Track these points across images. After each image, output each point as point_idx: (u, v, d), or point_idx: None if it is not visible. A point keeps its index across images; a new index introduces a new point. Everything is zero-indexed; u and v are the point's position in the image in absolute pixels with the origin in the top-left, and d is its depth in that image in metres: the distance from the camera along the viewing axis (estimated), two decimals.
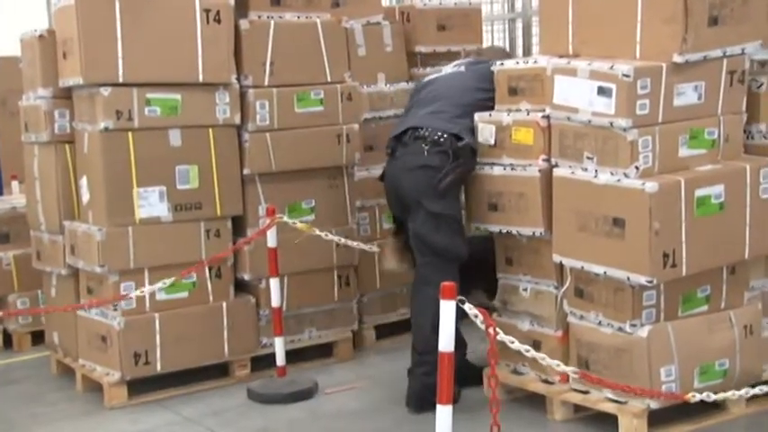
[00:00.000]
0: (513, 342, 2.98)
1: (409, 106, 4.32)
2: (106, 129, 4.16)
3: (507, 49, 6.65)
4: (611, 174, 3.48)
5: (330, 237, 4.48)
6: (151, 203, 4.27)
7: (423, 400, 3.83)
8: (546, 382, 3.85)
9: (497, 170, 3.94)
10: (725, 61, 3.55)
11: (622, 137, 3.43)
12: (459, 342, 3.89)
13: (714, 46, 3.48)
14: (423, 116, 4.07)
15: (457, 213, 4.02)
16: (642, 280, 3.41)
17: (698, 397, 3.16)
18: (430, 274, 3.87)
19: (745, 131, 3.72)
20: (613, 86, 3.42)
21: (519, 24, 6.55)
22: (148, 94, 4.22)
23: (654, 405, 3.47)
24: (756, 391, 2.95)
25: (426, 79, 4.38)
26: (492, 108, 4.00)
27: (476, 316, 2.91)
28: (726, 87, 3.59)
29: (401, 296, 5.17)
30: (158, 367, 4.32)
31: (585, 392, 3.68)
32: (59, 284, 4.69)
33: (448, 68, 4.35)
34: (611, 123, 3.44)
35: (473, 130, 3.99)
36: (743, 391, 2.98)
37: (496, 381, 2.84)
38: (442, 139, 3.92)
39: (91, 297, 4.38)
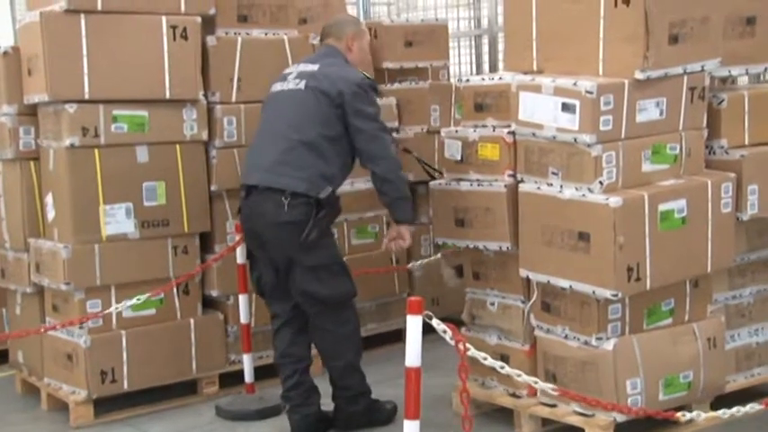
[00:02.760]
0: (485, 359, 2.98)
1: (258, 131, 3.91)
2: (72, 145, 4.13)
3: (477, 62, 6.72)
4: (576, 189, 3.53)
5: None
6: (118, 220, 4.24)
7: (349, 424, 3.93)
8: (514, 395, 3.87)
9: (464, 186, 3.97)
10: (685, 78, 3.61)
11: (586, 152, 3.48)
12: (364, 391, 3.96)
13: (675, 63, 3.55)
14: (270, 167, 3.68)
15: (334, 256, 3.81)
16: (607, 294, 3.45)
17: (688, 416, 3.11)
18: (325, 322, 3.79)
19: (706, 147, 3.79)
20: (577, 103, 3.47)
21: (485, 41, 6.61)
22: (115, 111, 4.20)
23: (620, 418, 3.50)
24: (747, 409, 2.94)
25: (272, 90, 3.93)
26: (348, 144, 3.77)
27: (444, 332, 2.92)
28: (687, 103, 3.65)
29: (370, 312, 5.18)
30: (125, 385, 4.28)
31: (553, 406, 3.70)
32: (24, 303, 4.63)
33: (293, 74, 3.86)
34: (576, 139, 3.49)
35: (331, 173, 3.70)
36: (734, 409, 2.96)
37: (468, 397, 2.85)
38: (301, 191, 3.64)
39: (56, 315, 4.34)
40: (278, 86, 3.89)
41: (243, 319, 4.34)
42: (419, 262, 5.14)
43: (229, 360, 4.57)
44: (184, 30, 4.31)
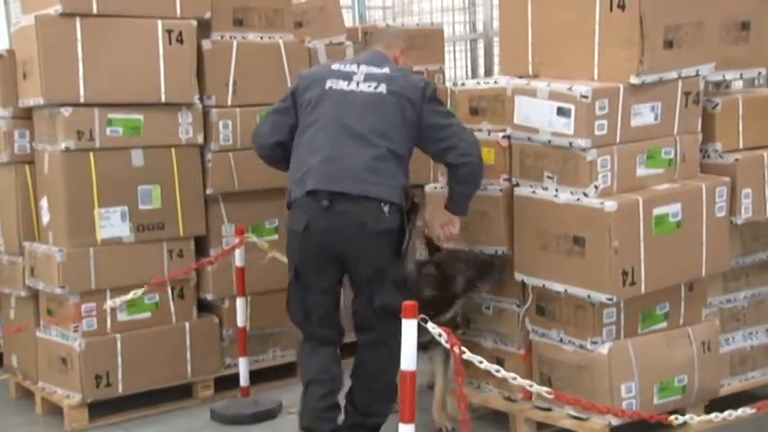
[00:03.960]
0: (481, 362, 2.98)
1: (317, 131, 3.52)
2: (67, 149, 4.13)
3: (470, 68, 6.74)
4: (571, 193, 3.53)
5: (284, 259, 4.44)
6: (113, 224, 4.24)
7: None
8: (509, 399, 3.87)
9: None
10: (680, 82, 3.62)
11: (582, 156, 3.49)
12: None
13: (669, 68, 3.56)
14: (361, 175, 3.42)
15: (405, 269, 3.67)
16: (602, 298, 3.46)
17: (680, 419, 3.03)
18: (389, 338, 3.37)
19: (700, 151, 3.80)
20: (572, 107, 3.48)
21: (480, 45, 6.63)
22: (110, 114, 4.20)
23: (614, 422, 3.50)
24: (739, 413, 2.94)
25: (331, 87, 3.57)
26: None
27: (440, 335, 2.93)
28: (681, 108, 3.66)
29: None
30: (120, 389, 4.27)
31: (548, 409, 3.71)
32: (18, 306, 4.62)
33: (359, 75, 3.59)
34: (571, 143, 3.50)
35: (405, 184, 3.55)
36: (726, 413, 2.95)
37: (465, 401, 2.84)
38: (396, 201, 3.46)
39: (51, 319, 4.33)
40: (341, 85, 3.56)
41: (239, 323, 4.34)
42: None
43: (225, 364, 4.57)
44: (180, 33, 4.31)
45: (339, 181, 3.42)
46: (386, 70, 3.60)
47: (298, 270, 3.56)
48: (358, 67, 3.63)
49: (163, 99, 4.31)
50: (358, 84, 3.57)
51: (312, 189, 3.43)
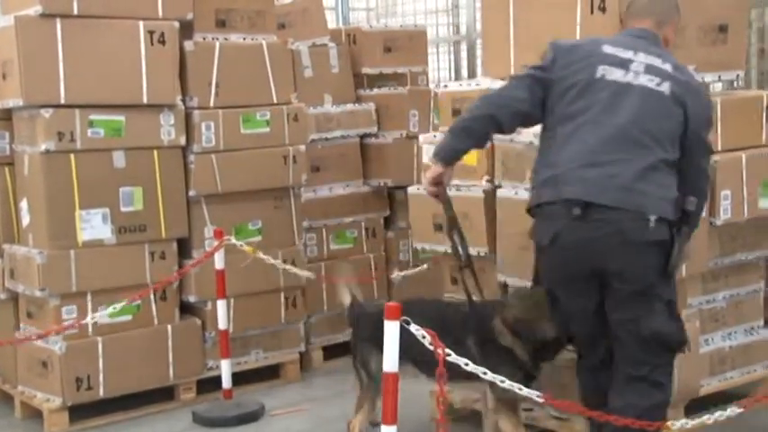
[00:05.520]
0: (467, 364, 2.97)
1: (581, 124, 2.98)
2: (47, 151, 4.10)
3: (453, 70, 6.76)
4: None
5: (273, 261, 4.45)
6: (94, 226, 4.22)
7: None
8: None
9: None
10: None
11: None
12: None
13: None
14: (630, 185, 2.92)
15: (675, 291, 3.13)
16: None
17: (677, 424, 2.89)
18: (662, 374, 3.06)
19: None
20: None
21: (463, 47, 6.65)
22: (91, 116, 4.18)
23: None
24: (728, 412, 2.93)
25: (603, 75, 3.00)
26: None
27: (423, 337, 2.92)
28: None
29: None
30: (101, 392, 4.24)
31: (529, 410, 3.71)
32: None
33: (638, 64, 3.02)
34: None
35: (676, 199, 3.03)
36: (717, 414, 2.94)
37: (446, 402, 2.84)
38: (667, 216, 2.97)
39: (31, 321, 4.30)
40: (616, 74, 3.01)
41: (221, 325, 4.32)
42: (402, 273, 5.09)
43: (207, 366, 4.55)
44: (162, 35, 4.29)
45: (604, 192, 2.91)
46: (668, 67, 3.03)
47: (551, 290, 3.13)
48: (635, 53, 3.04)
49: (145, 100, 4.29)
50: (637, 75, 3.00)
51: (569, 198, 2.92)
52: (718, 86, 4.63)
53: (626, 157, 2.94)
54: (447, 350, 2.81)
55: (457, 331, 3.31)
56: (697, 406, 3.61)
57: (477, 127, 3.14)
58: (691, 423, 2.92)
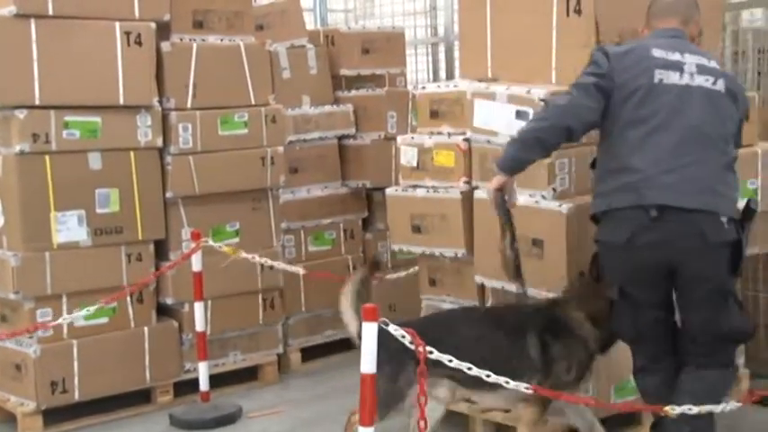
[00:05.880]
0: (451, 360, 2.98)
1: (653, 130, 3.00)
2: (22, 152, 4.06)
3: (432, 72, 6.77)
4: (530, 195, 3.56)
5: (257, 260, 4.45)
6: (69, 228, 4.18)
7: None
8: (469, 401, 3.88)
9: (420, 192, 3.99)
10: None
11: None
12: None
13: None
14: (708, 188, 2.98)
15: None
16: None
17: (678, 409, 2.95)
18: (728, 357, 3.17)
19: None
20: (530, 110, 3.51)
21: (441, 48, 6.66)
22: (66, 117, 4.14)
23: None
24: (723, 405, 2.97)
25: (661, 80, 3.03)
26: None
27: (403, 336, 2.92)
28: None
29: (327, 318, 5.16)
30: (76, 396, 4.21)
31: (507, 411, 3.73)
32: None
33: (689, 65, 3.06)
34: None
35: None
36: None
37: (425, 400, 2.84)
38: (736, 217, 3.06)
39: (5, 325, 4.25)
40: (673, 78, 3.04)
41: (198, 327, 4.30)
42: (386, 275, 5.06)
43: (184, 368, 4.52)
44: (138, 35, 4.27)
45: (685, 195, 2.96)
46: (714, 65, 3.11)
47: (622, 287, 3.14)
48: (681, 54, 3.08)
49: (121, 101, 4.27)
50: (692, 76, 3.05)
51: (658, 204, 2.95)
52: None
53: (701, 159, 2.99)
54: (428, 348, 2.83)
55: (527, 330, 3.34)
56: None
57: (551, 138, 3.12)
58: (695, 409, 2.93)
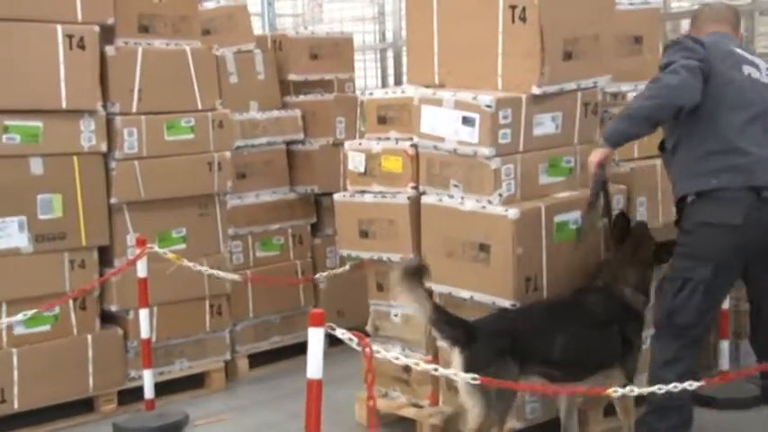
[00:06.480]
0: (397, 358, 2.98)
1: (750, 120, 3.26)
2: None
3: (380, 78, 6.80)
4: (477, 201, 3.59)
5: (200, 268, 4.41)
6: (9, 234, 4.10)
7: None
8: (416, 405, 3.90)
9: (368, 198, 4.00)
10: (579, 93, 3.73)
11: (486, 165, 3.55)
12: None
13: (569, 79, 3.66)
14: None
15: None
16: (506, 304, 3.52)
17: (620, 391, 2.97)
18: None
19: None
20: (477, 116, 3.54)
21: (390, 54, 6.70)
22: (6, 122, 4.06)
23: (518, 425, 3.57)
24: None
25: (734, 76, 3.31)
26: None
27: (350, 339, 2.93)
28: (581, 118, 3.77)
29: (275, 324, 5.15)
30: (16, 405, 4.12)
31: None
32: None
33: (760, 65, 3.40)
34: (476, 152, 3.56)
35: None
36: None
37: (374, 401, 2.84)
38: None
39: None
40: (756, 74, 3.35)
41: (143, 334, 4.24)
42: (325, 273, 5.11)
43: (129, 376, 4.46)
44: (81, 39, 4.20)
45: None
46: (764, 63, 3.42)
47: (718, 268, 3.25)
48: (752, 55, 3.42)
49: (64, 106, 4.20)
50: (757, 71, 3.35)
51: (760, 185, 3.17)
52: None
53: None
54: (375, 348, 2.84)
55: (599, 316, 3.45)
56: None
57: (661, 116, 3.25)
58: (638, 390, 2.97)
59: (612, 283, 3.53)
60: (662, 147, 3.46)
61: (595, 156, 3.36)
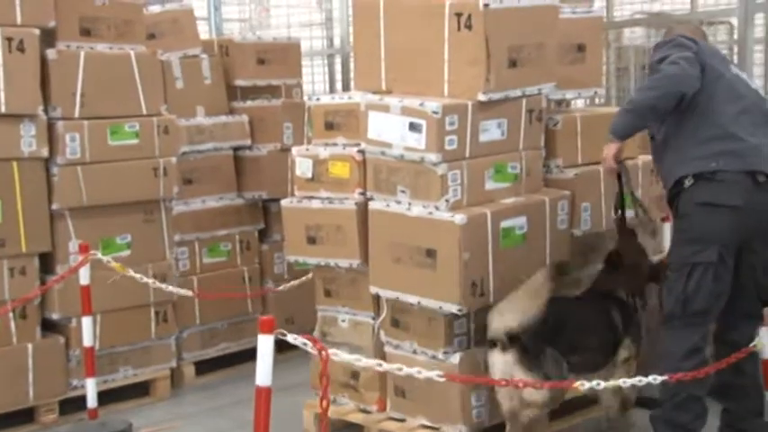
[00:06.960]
0: (359, 360, 2.99)
1: (740, 111, 3.39)
2: None
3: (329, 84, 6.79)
4: (423, 206, 3.61)
5: (146, 279, 4.34)
6: None
7: None
8: (364, 411, 3.90)
9: (315, 203, 3.99)
10: (524, 100, 3.78)
11: (433, 171, 3.57)
12: None
13: (514, 86, 3.71)
14: None
15: None
16: (453, 309, 3.54)
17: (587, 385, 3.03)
18: None
19: (543, 166, 3.97)
20: (423, 122, 3.56)
21: (338, 60, 6.69)
22: None
23: (464, 430, 3.60)
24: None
25: (722, 73, 3.44)
26: None
27: (304, 344, 2.91)
28: (526, 125, 3.82)
29: (222, 331, 5.10)
30: None
31: (402, 420, 3.76)
32: None
33: (729, 66, 3.56)
34: (422, 158, 3.58)
35: None
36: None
37: (327, 402, 2.83)
38: None
39: None
40: (735, 70, 3.55)
41: (85, 342, 4.17)
42: (281, 287, 5.06)
43: (71, 385, 4.37)
44: (21, 42, 4.12)
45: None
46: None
47: (721, 250, 3.29)
48: (714, 56, 3.56)
49: (2, 110, 4.11)
50: (736, 72, 3.54)
51: (756, 169, 3.28)
52: (579, 103, 4.85)
53: None
54: (330, 351, 2.86)
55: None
56: (565, 410, 3.74)
57: (664, 105, 3.34)
58: (603, 384, 3.02)
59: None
60: (652, 137, 3.58)
61: (609, 151, 3.51)
